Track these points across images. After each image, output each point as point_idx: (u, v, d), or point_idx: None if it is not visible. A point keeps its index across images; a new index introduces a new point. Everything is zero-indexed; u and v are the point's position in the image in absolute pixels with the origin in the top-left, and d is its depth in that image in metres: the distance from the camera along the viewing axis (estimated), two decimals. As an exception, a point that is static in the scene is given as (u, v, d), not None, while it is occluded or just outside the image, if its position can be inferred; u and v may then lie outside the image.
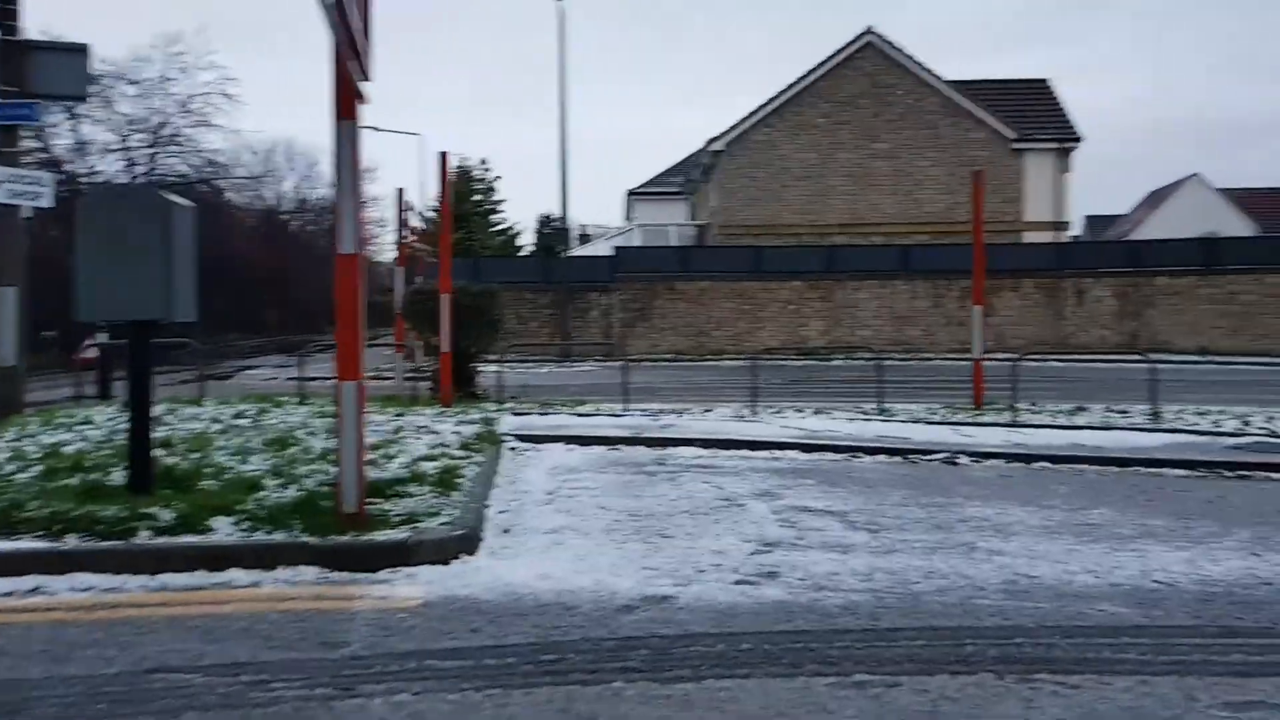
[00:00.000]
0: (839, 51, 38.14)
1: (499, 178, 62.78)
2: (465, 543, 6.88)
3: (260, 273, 54.46)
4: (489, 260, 38.56)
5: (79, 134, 44.42)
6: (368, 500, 7.57)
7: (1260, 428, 13.20)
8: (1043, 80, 42.58)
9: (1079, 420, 14.18)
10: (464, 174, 60.56)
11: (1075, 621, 5.73)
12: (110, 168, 46.17)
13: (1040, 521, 8.27)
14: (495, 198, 62.68)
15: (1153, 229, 54.53)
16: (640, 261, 34.40)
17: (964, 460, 11.57)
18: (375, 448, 10.26)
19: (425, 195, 65.28)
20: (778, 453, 12.04)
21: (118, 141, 45.86)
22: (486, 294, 17.30)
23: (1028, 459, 11.39)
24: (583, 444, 12.49)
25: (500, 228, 63.39)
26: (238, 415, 13.43)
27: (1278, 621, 5.76)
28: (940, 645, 5.37)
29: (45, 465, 9.02)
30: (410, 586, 6.32)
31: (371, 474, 8.65)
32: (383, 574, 6.49)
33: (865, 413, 15.55)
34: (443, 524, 7.14)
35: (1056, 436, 12.74)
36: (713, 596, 6.15)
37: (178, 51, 49.17)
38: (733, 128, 38.33)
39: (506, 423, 13.71)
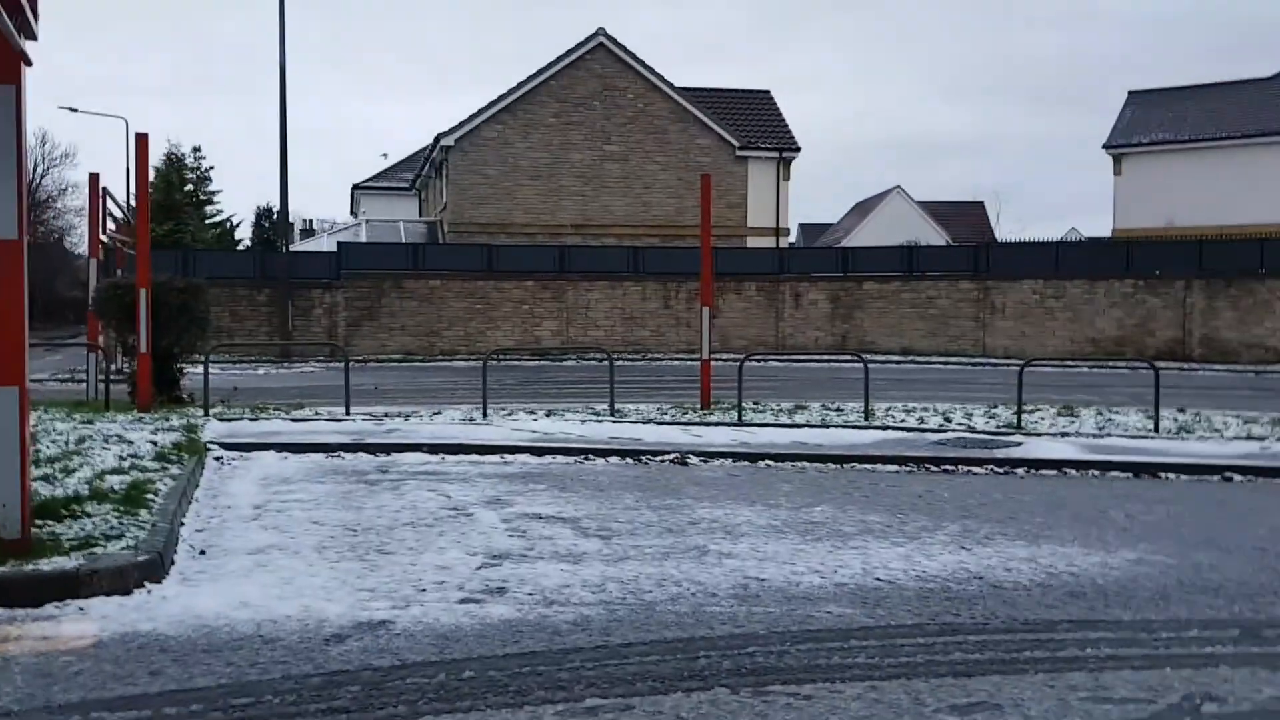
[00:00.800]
0: (571, 51, 38.20)
1: (213, 167, 58.68)
2: (150, 569, 6.06)
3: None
4: (202, 253, 35.93)
5: None
6: (37, 522, 6.59)
7: (959, 423, 14.07)
8: (765, 91, 44.43)
9: (799, 419, 14.65)
10: (175, 162, 56.31)
11: (805, 625, 5.68)
12: None
13: (767, 521, 8.31)
14: (210, 188, 58.60)
15: (860, 238, 58.34)
16: (367, 258, 33.06)
17: (694, 460, 11.62)
18: (53, 460, 9.12)
19: (131, 184, 60.35)
20: (508, 457, 11.67)
21: None
22: (192, 288, 15.87)
23: (753, 458, 11.56)
24: (298, 452, 11.64)
25: (216, 219, 59.42)
26: None
27: (991, 616, 5.94)
28: (674, 659, 5.14)
29: None
30: (80, 623, 5.47)
31: (45, 491, 7.63)
32: (49, 609, 5.59)
33: (597, 414, 15.42)
34: (124, 548, 6.27)
35: (780, 435, 13.06)
36: (434, 619, 5.68)
37: None
38: (464, 123, 37.61)
39: (212, 430, 12.60)
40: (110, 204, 20.05)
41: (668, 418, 15.09)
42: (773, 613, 5.88)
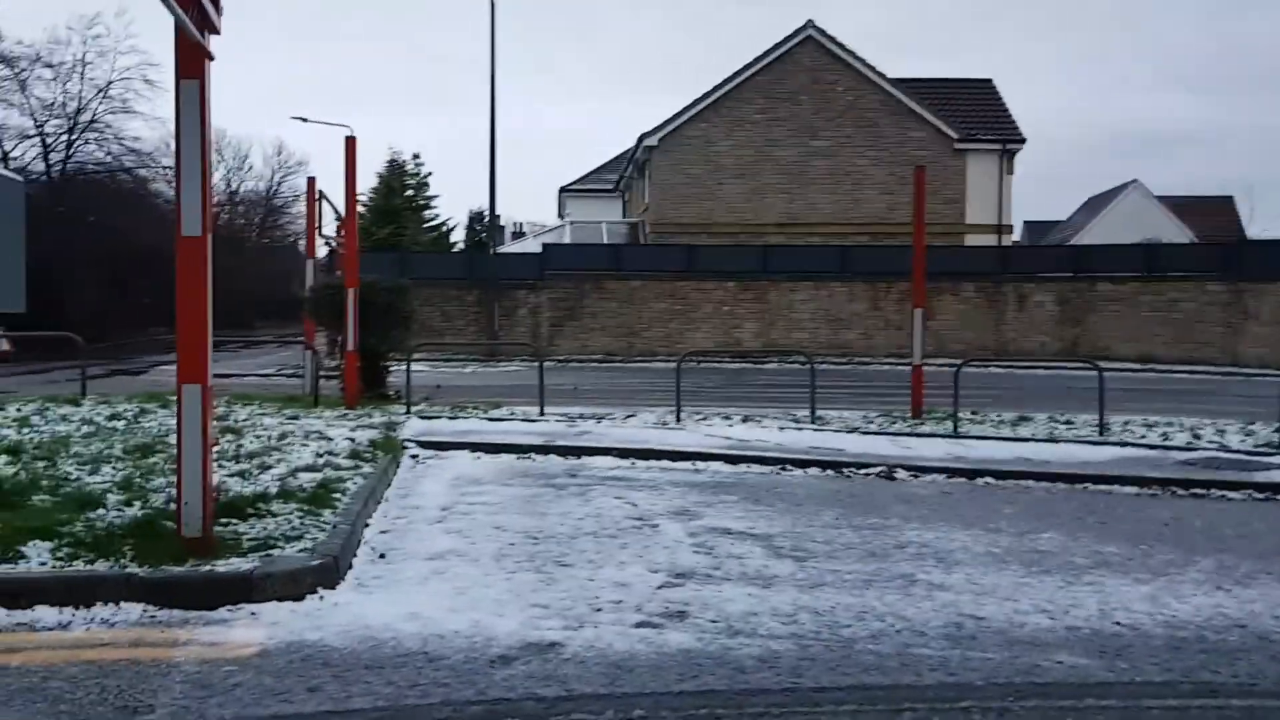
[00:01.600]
0: (778, 45, 37.36)
1: (431, 173, 61.26)
2: (324, 574, 5.86)
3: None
4: (416, 255, 37.19)
5: (-9, 119, 42.15)
6: (222, 520, 6.54)
7: (1211, 441, 12.58)
8: (987, 80, 42.20)
9: (1023, 431, 13.48)
10: (396, 168, 59.05)
11: (1030, 678, 4.88)
12: (26, 154, 43.89)
13: (986, 548, 7.44)
14: (428, 193, 61.18)
15: (1092, 235, 54.35)
16: (570, 259, 33.34)
17: (902, 475, 10.76)
18: (253, 456, 9.24)
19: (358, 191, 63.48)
20: (700, 464, 11.15)
21: (33, 127, 43.55)
22: (398, 289, 16.17)
23: (970, 474, 10.60)
24: (491, 452, 11.49)
25: (433, 223, 61.91)
26: (114, 416, 12.23)
27: (1258, 675, 4.97)
28: (875, 711, 4.48)
29: None
30: (250, 629, 5.30)
31: (237, 488, 7.63)
32: (221, 612, 5.45)
33: (797, 420, 14.72)
34: (301, 550, 6.11)
35: (1000, 449, 11.99)
36: (607, 644, 5.20)
37: (96, 34, 47.14)
38: (667, 122, 37.41)
39: (411, 428, 12.65)
40: (329, 207, 20.78)
41: (874, 427, 14.23)
42: (992, 660, 5.10)
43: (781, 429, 13.47)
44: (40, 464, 8.58)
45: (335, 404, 14.69)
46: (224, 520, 6.52)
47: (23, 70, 41.98)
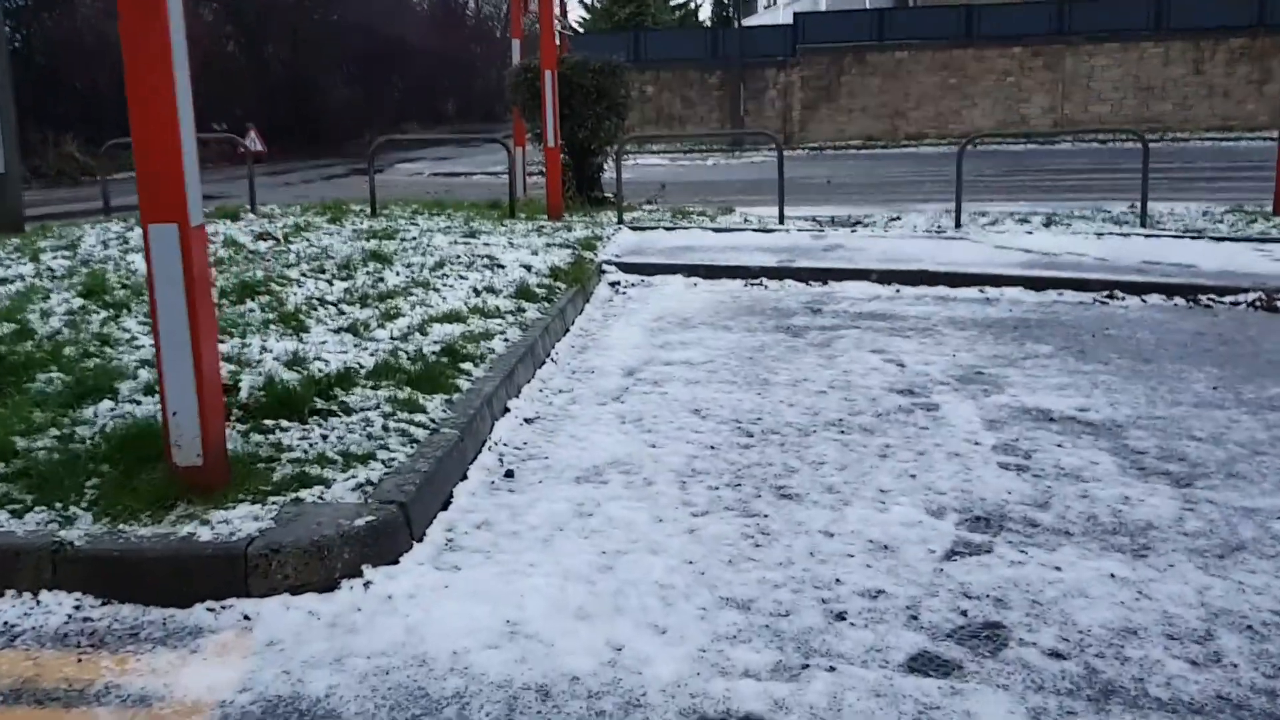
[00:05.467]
0: None
1: (675, -55, 56.62)
2: (378, 541, 3.52)
3: (436, 61, 51.28)
4: (651, 33, 33.81)
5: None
6: (265, 426, 4.34)
7: None
8: None
9: None
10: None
11: None
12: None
13: None
14: (672, -32, 56.82)
15: None
16: (825, 29, 29.22)
17: (1291, 304, 7.49)
18: (384, 299, 6.85)
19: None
20: (991, 291, 8.24)
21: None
22: (609, 70, 13.46)
23: None
24: (710, 276, 8.98)
25: (679, 1, 57.81)
26: (261, 236, 10.13)
27: None
28: None
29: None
30: (222, 662, 3.02)
31: (331, 359, 5.28)
32: (198, 613, 3.30)
33: (1117, 221, 11.28)
34: (357, 487, 3.81)
35: None
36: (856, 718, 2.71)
37: None
38: None
39: (618, 243, 10.28)
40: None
41: (1224, 229, 10.65)
42: None
43: (1100, 236, 10.15)
44: (102, 316, 6.39)
45: (538, 212, 12.49)
46: (267, 426, 4.36)
47: None
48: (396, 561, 3.53)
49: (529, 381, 5.81)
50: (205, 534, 3.43)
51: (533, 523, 3.94)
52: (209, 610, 3.29)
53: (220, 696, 2.86)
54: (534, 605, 3.28)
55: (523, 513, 4.03)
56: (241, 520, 3.52)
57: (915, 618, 3.21)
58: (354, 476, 3.88)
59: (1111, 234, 10.24)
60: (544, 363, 6.26)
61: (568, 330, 7.15)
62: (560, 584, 3.41)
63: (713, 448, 4.76)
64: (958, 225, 11.03)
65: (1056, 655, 3.00)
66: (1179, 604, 3.28)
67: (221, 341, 5.62)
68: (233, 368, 5.03)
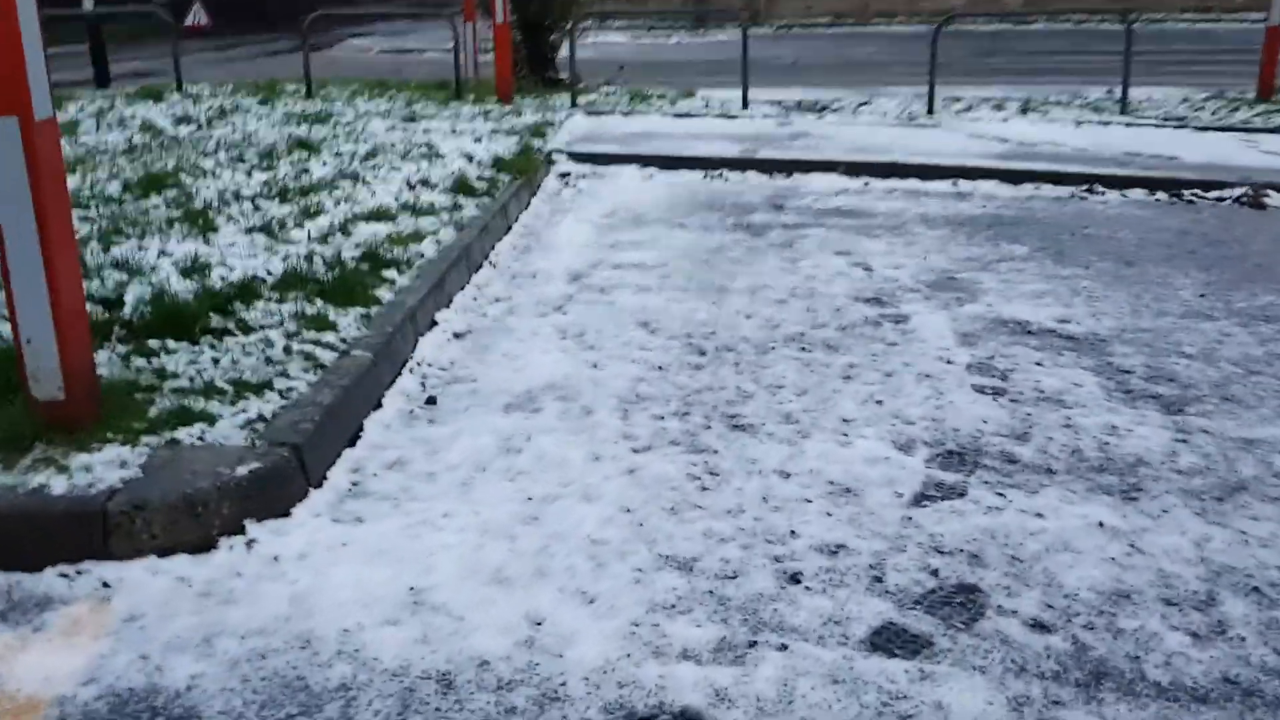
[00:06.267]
0: None
1: None
2: (263, 492, 3.05)
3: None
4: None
5: None
6: (149, 348, 3.85)
7: None
8: None
9: None
10: None
11: None
12: None
13: None
14: None
15: None
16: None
17: (1277, 198, 7.10)
18: (306, 193, 6.33)
19: None
20: (964, 184, 7.76)
21: None
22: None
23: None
24: (667, 168, 8.41)
25: None
26: (183, 120, 9.48)
27: None
28: None
29: None
30: (68, 644, 2.55)
31: (236, 266, 4.78)
32: (49, 578, 2.81)
33: (1095, 108, 10.76)
34: (246, 424, 3.32)
35: None
36: (809, 711, 2.33)
37: None
38: None
39: (570, 130, 9.64)
40: None
41: (1206, 116, 10.18)
42: None
43: (1078, 124, 9.64)
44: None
45: (488, 94, 11.76)
46: (151, 347, 3.83)
47: None
48: (288, 514, 3.06)
49: (463, 289, 5.30)
50: (60, 484, 2.94)
51: (452, 461, 3.48)
52: (62, 576, 2.82)
53: (59, 690, 2.41)
54: (444, 567, 2.84)
55: (442, 449, 3.57)
56: (105, 467, 3.03)
57: (880, 579, 2.81)
58: (244, 411, 3.39)
59: (1090, 122, 9.74)
60: (480, 266, 5.74)
61: (510, 228, 6.60)
62: (477, 540, 2.98)
63: (660, 368, 4.30)
64: (930, 111, 10.46)
65: (1040, 627, 2.62)
66: (1176, 560, 2.90)
67: (116, 245, 5.05)
68: (121, 276, 4.47)
